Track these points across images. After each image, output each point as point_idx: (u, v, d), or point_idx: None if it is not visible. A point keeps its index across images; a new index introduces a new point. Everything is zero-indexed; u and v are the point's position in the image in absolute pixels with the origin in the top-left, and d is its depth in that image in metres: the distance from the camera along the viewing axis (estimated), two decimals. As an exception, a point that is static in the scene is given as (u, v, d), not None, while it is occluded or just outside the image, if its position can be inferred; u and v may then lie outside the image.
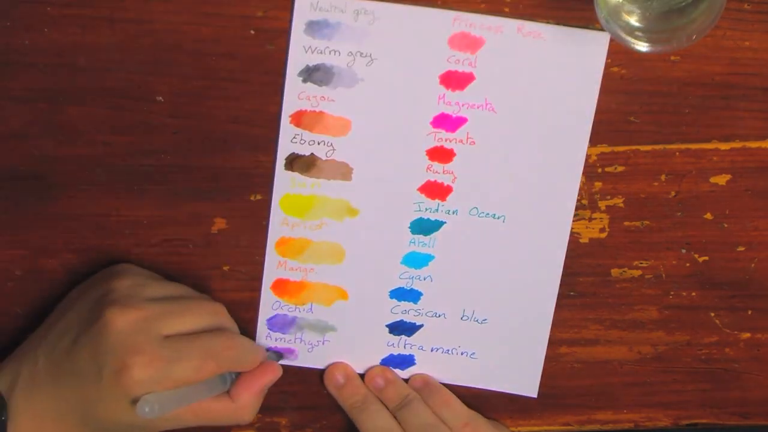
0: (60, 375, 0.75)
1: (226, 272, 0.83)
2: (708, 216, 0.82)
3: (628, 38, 0.70)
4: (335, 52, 0.78)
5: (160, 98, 0.78)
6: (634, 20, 0.71)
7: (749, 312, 0.83)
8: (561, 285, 0.82)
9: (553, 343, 0.84)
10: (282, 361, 0.84)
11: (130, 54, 0.77)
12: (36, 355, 0.76)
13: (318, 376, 0.85)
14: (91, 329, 0.75)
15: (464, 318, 0.84)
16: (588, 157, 0.80)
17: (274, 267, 0.83)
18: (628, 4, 0.70)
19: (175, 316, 0.77)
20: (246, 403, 0.80)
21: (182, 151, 0.79)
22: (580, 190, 0.80)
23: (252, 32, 0.77)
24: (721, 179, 0.81)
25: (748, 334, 0.83)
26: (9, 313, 0.83)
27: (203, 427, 0.79)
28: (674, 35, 0.69)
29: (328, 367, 0.85)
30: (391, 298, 0.83)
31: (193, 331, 0.77)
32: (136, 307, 0.75)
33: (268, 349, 0.84)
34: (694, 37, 0.69)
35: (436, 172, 0.80)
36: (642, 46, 0.70)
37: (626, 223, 0.82)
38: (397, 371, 0.85)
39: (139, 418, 0.74)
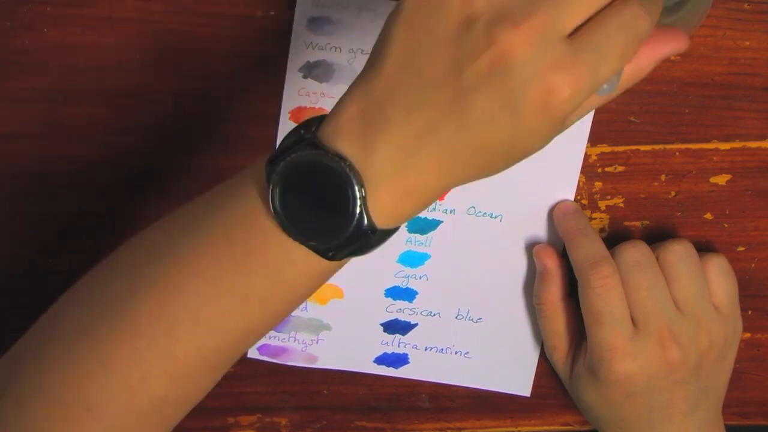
0: (439, 131, 0.59)
1: (226, 272, 0.83)
2: (708, 216, 0.81)
3: None
4: (336, 48, 0.78)
5: (160, 98, 0.78)
6: None
7: (749, 312, 0.83)
8: (558, 285, 0.82)
9: (552, 343, 0.84)
10: (278, 361, 0.84)
11: (130, 54, 0.77)
12: (387, 119, 0.59)
13: (318, 375, 0.85)
14: (477, 64, 0.57)
15: (459, 317, 0.84)
16: (588, 157, 0.80)
17: (269, 266, 0.82)
18: None
19: (564, 3, 0.58)
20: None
21: (182, 151, 0.80)
22: (580, 189, 0.80)
23: (252, 32, 0.77)
24: (721, 179, 0.80)
25: (748, 334, 0.83)
26: (7, 314, 0.83)
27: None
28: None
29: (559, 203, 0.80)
30: (386, 296, 0.83)
31: (592, 13, 0.59)
32: (522, 14, 0.57)
33: None
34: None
35: (434, 171, 0.80)
36: None
37: (626, 223, 0.82)
38: (391, 370, 0.85)
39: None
